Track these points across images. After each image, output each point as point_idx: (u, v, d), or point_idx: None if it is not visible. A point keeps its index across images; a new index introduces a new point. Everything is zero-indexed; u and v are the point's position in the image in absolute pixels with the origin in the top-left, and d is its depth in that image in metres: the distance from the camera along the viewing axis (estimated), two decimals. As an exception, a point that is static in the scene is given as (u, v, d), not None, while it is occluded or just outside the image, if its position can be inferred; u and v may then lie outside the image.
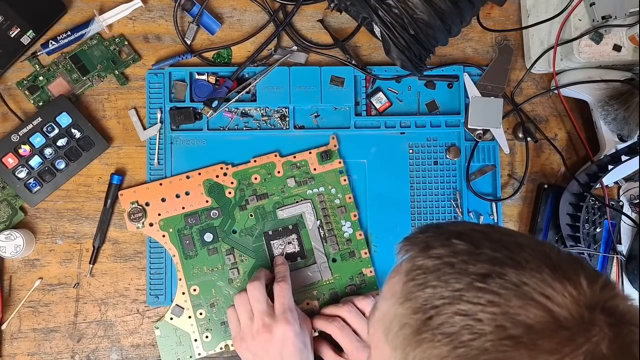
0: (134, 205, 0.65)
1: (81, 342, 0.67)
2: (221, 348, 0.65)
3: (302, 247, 0.67)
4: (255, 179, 0.67)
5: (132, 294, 0.68)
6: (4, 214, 0.66)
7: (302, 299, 0.66)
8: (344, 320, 0.62)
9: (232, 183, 0.67)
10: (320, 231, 0.67)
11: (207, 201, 0.66)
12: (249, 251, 0.67)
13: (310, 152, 0.68)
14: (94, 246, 0.67)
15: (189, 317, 0.65)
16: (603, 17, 0.63)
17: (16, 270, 0.67)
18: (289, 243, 0.67)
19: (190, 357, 0.65)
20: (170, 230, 0.66)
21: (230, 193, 0.67)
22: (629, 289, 0.72)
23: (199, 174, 0.67)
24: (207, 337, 0.65)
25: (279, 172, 0.67)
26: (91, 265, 0.67)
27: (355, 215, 0.68)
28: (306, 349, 0.59)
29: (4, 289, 0.66)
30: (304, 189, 0.67)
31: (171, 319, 0.65)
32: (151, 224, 0.66)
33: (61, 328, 0.67)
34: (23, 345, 0.66)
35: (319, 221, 0.67)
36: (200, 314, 0.65)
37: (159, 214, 0.66)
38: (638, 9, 0.63)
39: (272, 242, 0.67)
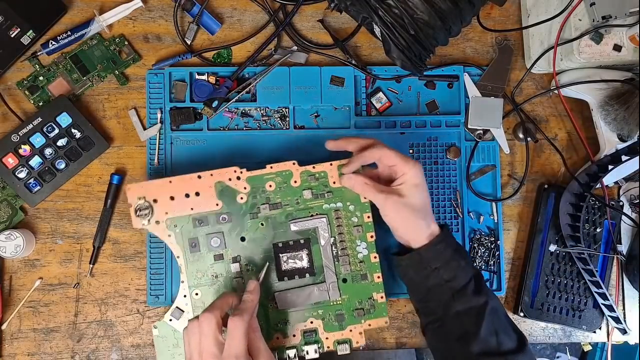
0: (141, 201, 0.62)
1: (81, 342, 0.67)
2: None
3: (311, 263, 0.63)
4: (270, 186, 0.63)
5: (132, 294, 0.68)
6: (4, 214, 0.66)
7: (307, 317, 0.63)
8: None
9: (245, 188, 0.63)
10: (333, 249, 0.63)
11: (217, 204, 0.62)
12: (256, 262, 0.63)
13: (331, 164, 0.63)
14: (94, 246, 0.67)
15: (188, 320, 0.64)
16: (603, 17, 0.63)
17: (16, 270, 0.67)
18: (293, 258, 0.63)
19: None
20: (177, 230, 0.62)
21: (242, 198, 0.63)
22: (629, 289, 0.72)
23: (211, 175, 0.62)
24: None
25: (295, 181, 0.63)
26: (91, 265, 0.67)
27: (372, 237, 0.64)
28: None
29: (4, 289, 0.66)
30: (321, 202, 0.63)
31: (170, 320, 0.62)
32: (158, 222, 0.62)
33: (61, 328, 0.67)
34: (23, 345, 0.66)
35: (332, 238, 0.63)
36: None
37: (166, 213, 0.62)
38: (638, 9, 0.62)
39: (280, 254, 0.63)
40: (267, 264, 0.62)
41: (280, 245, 0.63)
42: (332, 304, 0.63)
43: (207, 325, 0.52)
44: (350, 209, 0.64)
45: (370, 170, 0.64)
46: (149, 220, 0.62)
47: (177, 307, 0.63)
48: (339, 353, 0.63)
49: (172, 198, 0.62)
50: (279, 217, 0.63)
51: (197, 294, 0.63)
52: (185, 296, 0.63)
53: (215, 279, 0.63)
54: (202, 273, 0.63)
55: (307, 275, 0.63)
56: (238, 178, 0.63)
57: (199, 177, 0.63)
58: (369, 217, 0.64)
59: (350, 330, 0.63)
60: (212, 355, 0.51)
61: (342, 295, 0.64)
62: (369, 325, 0.64)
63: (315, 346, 0.62)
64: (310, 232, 0.64)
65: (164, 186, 0.62)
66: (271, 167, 0.63)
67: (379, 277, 0.64)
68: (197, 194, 0.63)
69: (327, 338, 0.63)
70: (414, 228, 0.60)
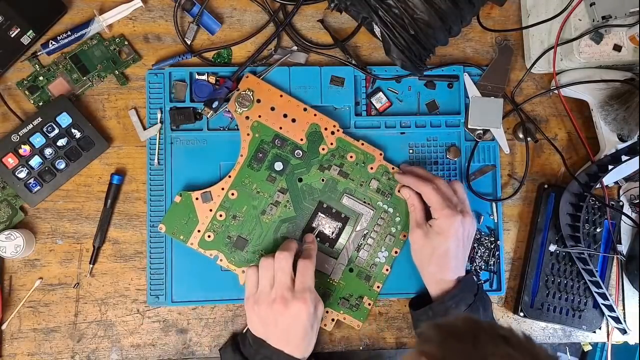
0: (249, 92, 0.67)
1: (81, 342, 0.67)
2: (210, 255, 0.66)
3: (337, 238, 0.67)
4: (351, 157, 0.67)
5: (132, 294, 0.68)
6: (4, 214, 0.66)
7: None
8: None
9: (331, 144, 0.67)
10: (361, 240, 0.67)
11: (301, 139, 0.67)
12: (297, 204, 0.67)
13: (393, 168, 0.68)
14: (94, 246, 0.67)
15: (210, 210, 0.66)
16: (603, 17, 0.63)
17: (16, 270, 0.67)
18: (327, 224, 0.67)
19: (183, 239, 0.65)
20: (257, 135, 0.67)
21: (323, 149, 0.67)
22: (629, 289, 0.72)
23: (315, 115, 0.67)
24: (209, 236, 0.66)
25: (372, 168, 0.68)
26: (91, 265, 0.67)
27: (396, 252, 0.68)
28: (312, 331, 0.60)
29: (4, 289, 0.66)
30: (379, 198, 0.68)
31: (197, 199, 0.66)
32: (247, 118, 0.67)
33: (61, 328, 0.67)
34: (23, 345, 0.66)
35: (366, 231, 0.67)
36: (220, 215, 0.66)
37: (260, 116, 0.67)
38: (638, 9, 0.63)
39: (320, 213, 0.67)
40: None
41: (325, 206, 0.68)
42: (328, 280, 0.67)
43: (285, 262, 0.60)
44: (395, 220, 0.68)
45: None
46: (242, 111, 0.67)
47: (210, 192, 0.66)
48: None
49: (272, 108, 0.67)
50: (340, 184, 0.68)
51: (232, 195, 0.66)
52: (222, 189, 0.66)
53: (257, 193, 0.67)
54: (249, 181, 0.67)
55: (327, 244, 0.67)
56: (332, 133, 0.68)
57: (305, 109, 0.68)
58: (404, 235, 0.68)
59: (327, 312, 0.66)
60: (286, 287, 0.59)
61: (340, 279, 0.67)
62: (344, 318, 0.67)
63: None
64: (353, 214, 0.68)
65: (274, 95, 0.68)
66: (362, 144, 0.68)
67: (379, 287, 0.67)
68: (294, 120, 0.67)
69: None
70: (423, 271, 0.65)
